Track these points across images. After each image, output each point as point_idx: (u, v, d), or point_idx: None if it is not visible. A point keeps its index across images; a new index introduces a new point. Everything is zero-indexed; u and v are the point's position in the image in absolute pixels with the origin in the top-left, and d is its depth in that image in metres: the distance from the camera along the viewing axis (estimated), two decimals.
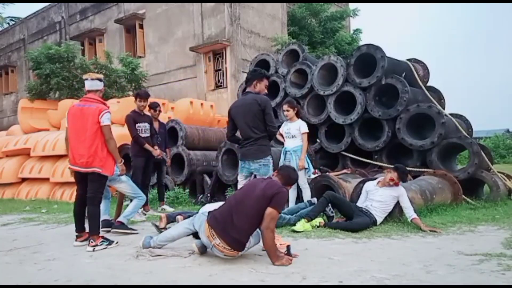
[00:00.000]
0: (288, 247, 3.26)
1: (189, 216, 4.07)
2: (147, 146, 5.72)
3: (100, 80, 4.12)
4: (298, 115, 5.52)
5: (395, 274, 2.88)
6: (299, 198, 5.49)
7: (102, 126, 3.90)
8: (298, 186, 5.32)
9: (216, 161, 7.12)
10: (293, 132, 5.37)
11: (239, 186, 4.38)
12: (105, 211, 4.71)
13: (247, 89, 4.32)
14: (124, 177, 4.55)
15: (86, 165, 3.89)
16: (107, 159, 3.94)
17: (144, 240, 3.60)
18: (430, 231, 4.29)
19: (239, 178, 4.40)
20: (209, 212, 3.40)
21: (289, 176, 3.55)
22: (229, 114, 4.37)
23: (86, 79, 4.10)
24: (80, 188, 4.13)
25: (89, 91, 4.08)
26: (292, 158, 5.30)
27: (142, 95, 5.77)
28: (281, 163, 5.44)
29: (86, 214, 4.16)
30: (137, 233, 4.55)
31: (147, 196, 6.23)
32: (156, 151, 5.85)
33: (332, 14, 16.20)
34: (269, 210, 3.15)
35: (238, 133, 4.42)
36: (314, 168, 6.47)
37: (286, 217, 4.68)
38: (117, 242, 3.99)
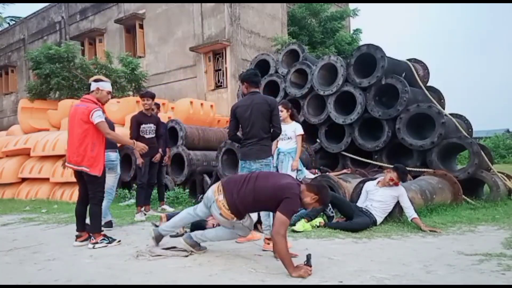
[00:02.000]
0: (308, 256, 2.96)
1: None
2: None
3: (96, 80, 4.15)
4: (293, 117, 5.51)
5: (395, 274, 2.88)
6: None
7: (96, 125, 3.93)
8: None
9: (216, 161, 7.12)
10: (289, 134, 5.36)
11: None
12: (105, 211, 4.75)
13: (253, 90, 4.28)
14: (115, 173, 4.99)
15: (76, 163, 3.97)
16: (95, 159, 3.95)
17: (154, 231, 3.74)
18: (430, 231, 4.30)
19: None
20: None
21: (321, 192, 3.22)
22: (232, 113, 4.32)
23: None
24: (80, 187, 4.19)
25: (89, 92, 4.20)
26: (285, 160, 5.32)
27: (143, 95, 5.90)
28: (273, 164, 5.44)
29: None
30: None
31: (150, 195, 6.27)
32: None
33: (332, 14, 16.19)
34: (277, 214, 3.04)
35: (238, 133, 4.41)
36: (314, 168, 6.47)
37: None
38: (119, 241, 4.02)
